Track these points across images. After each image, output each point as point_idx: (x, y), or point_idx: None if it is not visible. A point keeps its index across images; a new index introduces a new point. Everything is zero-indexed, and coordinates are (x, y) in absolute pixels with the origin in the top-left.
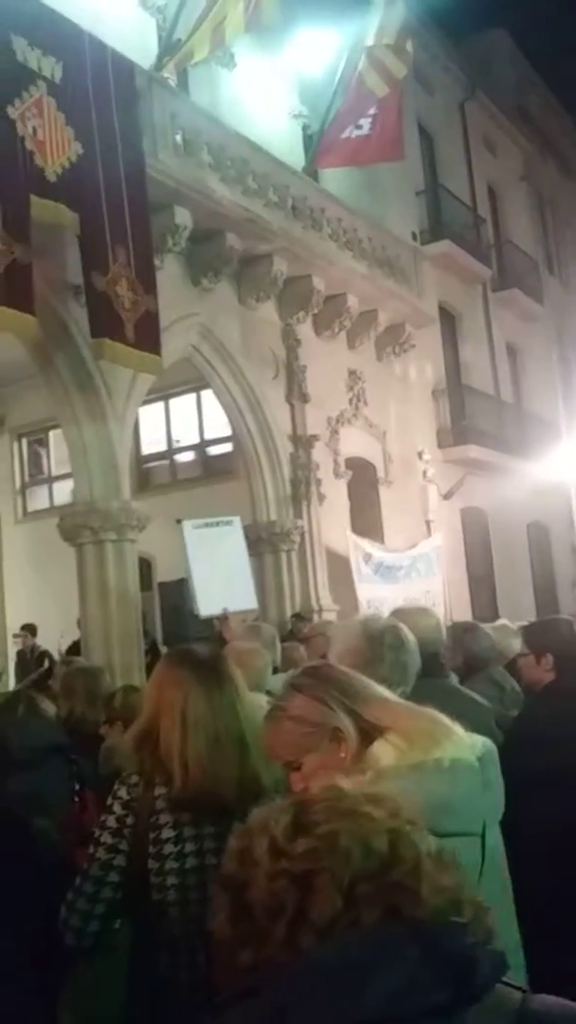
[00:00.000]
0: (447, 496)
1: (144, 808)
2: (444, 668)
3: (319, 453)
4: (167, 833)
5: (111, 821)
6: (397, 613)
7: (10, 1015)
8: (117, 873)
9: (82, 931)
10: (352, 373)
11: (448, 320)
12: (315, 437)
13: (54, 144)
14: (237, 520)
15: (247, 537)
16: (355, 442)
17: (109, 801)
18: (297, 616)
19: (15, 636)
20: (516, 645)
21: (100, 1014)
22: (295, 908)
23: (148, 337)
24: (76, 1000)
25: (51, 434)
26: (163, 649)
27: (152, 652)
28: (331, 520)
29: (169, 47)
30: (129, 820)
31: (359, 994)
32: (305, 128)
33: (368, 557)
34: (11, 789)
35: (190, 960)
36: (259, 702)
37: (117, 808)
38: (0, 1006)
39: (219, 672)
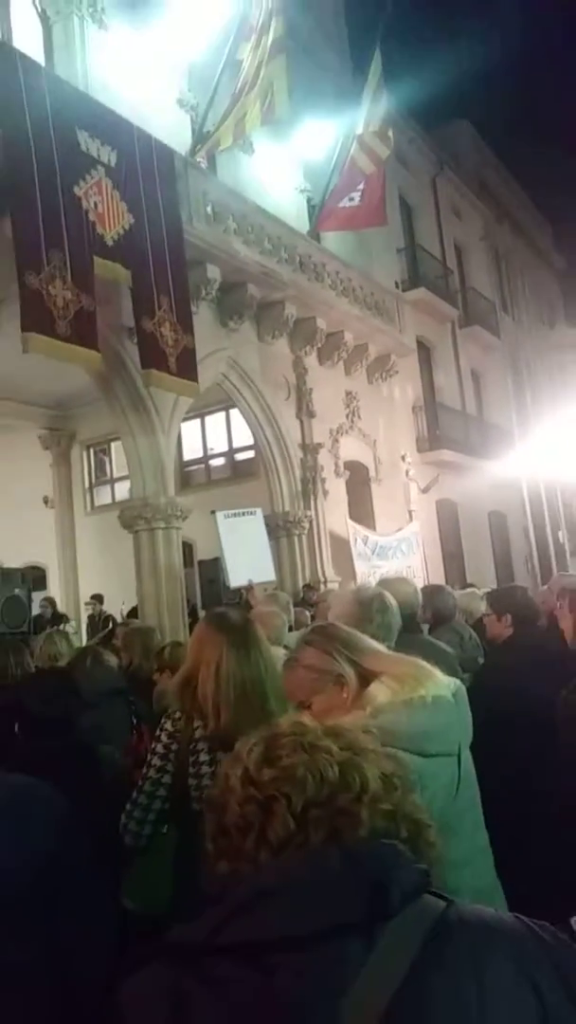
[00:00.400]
0: (425, 490)
1: (185, 738)
2: (419, 625)
3: (323, 457)
4: (203, 757)
5: (159, 747)
6: (383, 582)
7: (91, 898)
8: (164, 788)
9: (138, 834)
10: (349, 394)
11: (424, 351)
12: (320, 445)
13: (111, 216)
14: (259, 511)
15: (267, 524)
16: (351, 448)
17: (157, 732)
18: (307, 586)
19: (86, 604)
20: (482, 607)
21: (153, 900)
22: (258, 828)
23: (186, 368)
24: (135, 889)
25: (112, 445)
26: (201, 613)
27: (193, 615)
28: (333, 510)
29: (201, 137)
30: (173, 747)
31: (285, 909)
32: (309, 200)
33: (364, 539)
34: (82, 724)
35: None
36: (278, 654)
37: (164, 737)
38: (83, 892)
39: (248, 635)
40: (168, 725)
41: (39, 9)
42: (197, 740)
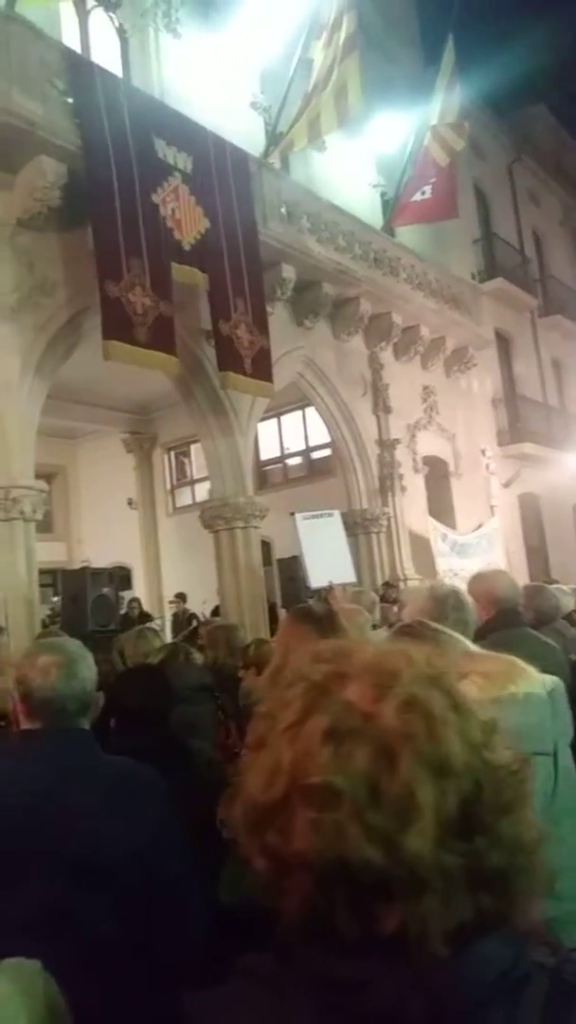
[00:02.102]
0: (506, 485)
1: None
2: (521, 618)
3: (401, 454)
4: None
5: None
6: (478, 576)
7: (186, 883)
8: None
9: None
10: (426, 388)
11: (503, 342)
12: (397, 441)
13: (188, 221)
14: (337, 512)
15: (344, 522)
16: (430, 444)
17: (251, 725)
18: (386, 584)
19: (170, 602)
20: (570, 603)
21: (249, 891)
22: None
23: (262, 369)
24: (232, 883)
25: (192, 447)
26: (280, 612)
27: (272, 613)
28: (412, 507)
29: (274, 138)
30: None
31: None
32: (383, 195)
33: (444, 536)
34: (173, 719)
35: None
36: None
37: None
38: (180, 874)
39: (333, 625)
40: None
41: (116, 24)
42: None
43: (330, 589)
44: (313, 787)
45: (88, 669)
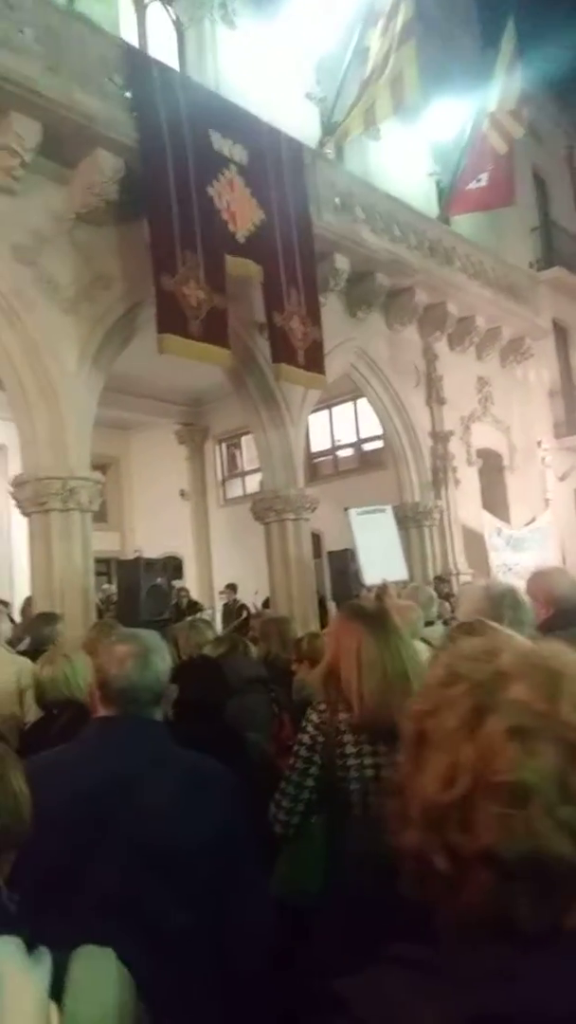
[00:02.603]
0: (563, 478)
1: (331, 729)
2: None
3: (454, 446)
4: (349, 749)
5: (306, 738)
6: (537, 574)
7: (253, 875)
8: (312, 779)
9: (287, 823)
10: (481, 379)
11: (561, 332)
12: (451, 433)
13: (242, 213)
14: (389, 508)
15: (396, 515)
16: (484, 436)
17: (303, 723)
18: (438, 578)
19: (220, 592)
20: None
21: (302, 887)
22: None
23: (315, 361)
24: (284, 876)
25: (243, 439)
26: (330, 604)
27: (322, 606)
28: (465, 500)
29: (329, 128)
30: (320, 738)
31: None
32: (438, 183)
33: (498, 531)
34: (228, 711)
35: (372, 847)
36: (419, 647)
37: (310, 728)
38: (247, 868)
39: (385, 622)
40: (313, 716)
41: (173, 17)
42: (343, 732)
43: (384, 587)
44: (502, 784)
45: (162, 660)
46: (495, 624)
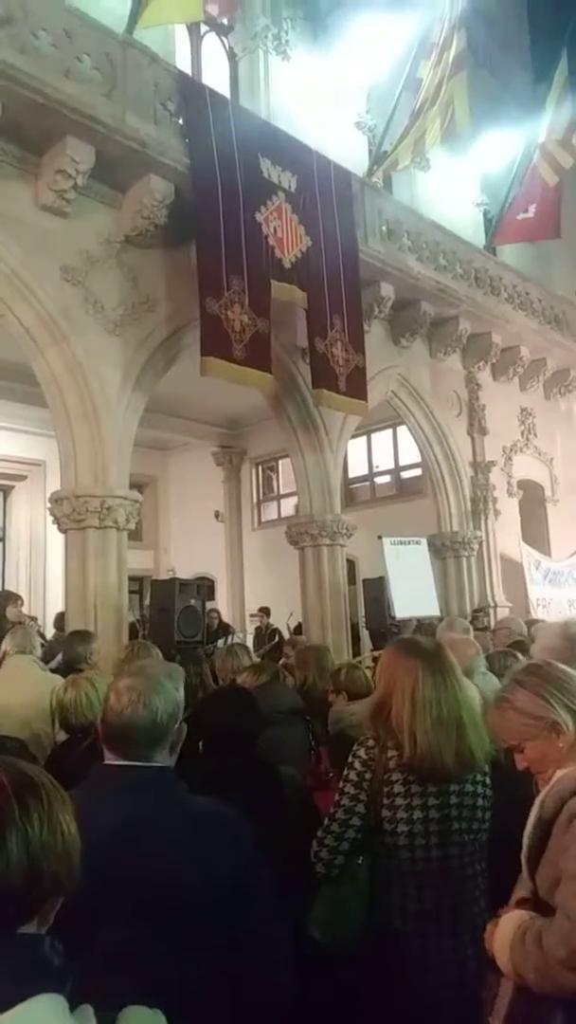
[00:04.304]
0: None
1: (379, 767)
2: None
3: (495, 476)
4: (398, 789)
5: (353, 775)
6: None
7: (271, 925)
8: (358, 818)
9: (330, 863)
10: (524, 410)
11: None
12: (492, 463)
13: (290, 239)
14: (424, 541)
15: (433, 545)
16: (526, 467)
17: (350, 759)
18: (477, 610)
19: (252, 615)
20: None
21: (341, 931)
22: None
23: (356, 388)
24: (323, 918)
25: (280, 462)
26: (363, 633)
27: (354, 633)
28: (505, 532)
29: (378, 157)
30: (367, 776)
31: None
32: (486, 213)
33: (537, 564)
34: (263, 743)
35: (416, 893)
36: (472, 693)
37: (357, 765)
38: (263, 918)
39: (442, 660)
40: (361, 752)
41: (227, 47)
42: (391, 771)
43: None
44: None
45: (164, 700)
46: (564, 667)
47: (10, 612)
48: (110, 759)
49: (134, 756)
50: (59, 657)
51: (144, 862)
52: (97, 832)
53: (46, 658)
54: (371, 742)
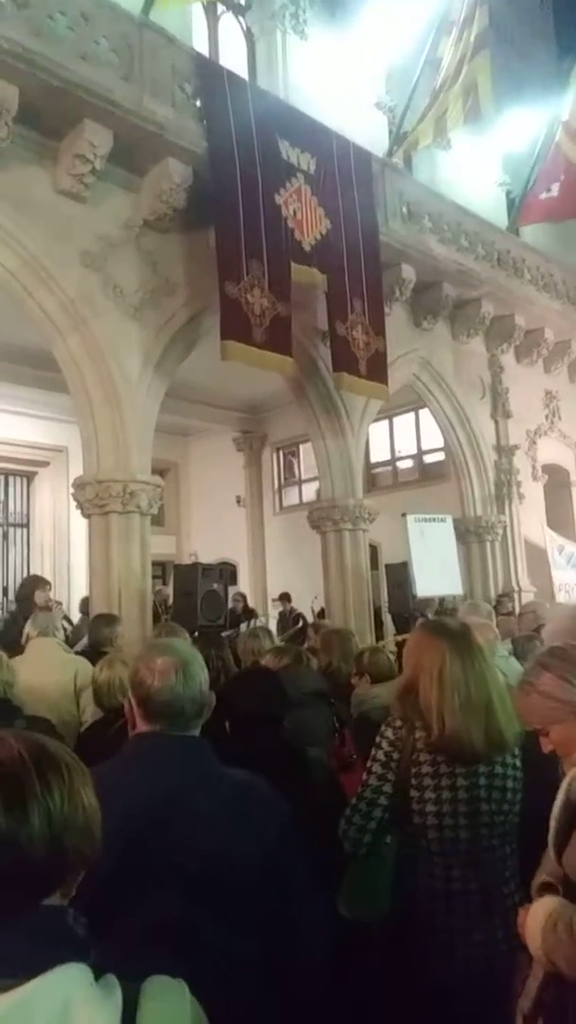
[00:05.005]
0: None
1: (407, 747)
2: None
3: (519, 460)
4: (426, 769)
5: (380, 755)
6: None
7: (308, 899)
8: (386, 797)
9: (358, 841)
10: (548, 393)
11: None
12: (516, 447)
13: (309, 222)
14: (450, 519)
15: (457, 529)
16: (550, 451)
17: (378, 739)
18: (501, 595)
19: (274, 601)
20: None
21: (369, 909)
22: None
23: (377, 371)
24: (351, 896)
25: (301, 447)
26: (385, 618)
27: (377, 618)
28: (529, 516)
29: (398, 138)
30: (395, 756)
31: None
32: (508, 193)
33: (561, 548)
34: (287, 725)
35: (444, 873)
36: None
37: (385, 745)
38: (301, 892)
39: (470, 642)
40: (388, 733)
41: (244, 28)
42: (419, 751)
43: (455, 609)
44: None
45: (201, 669)
46: None
47: (38, 596)
48: (149, 730)
49: (180, 728)
50: (85, 639)
51: (188, 828)
52: (141, 801)
53: (72, 641)
54: (398, 722)
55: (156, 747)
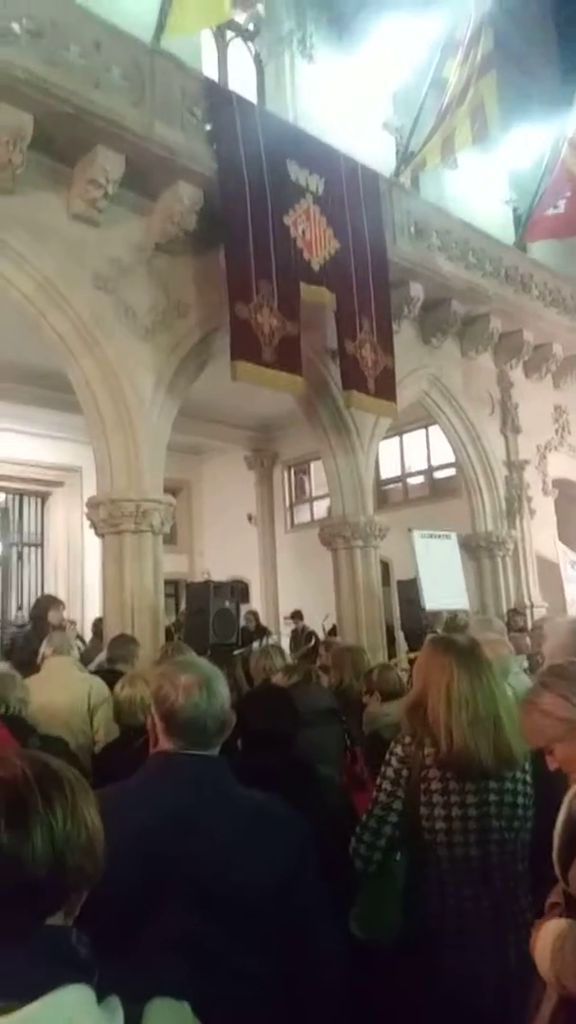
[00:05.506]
0: None
1: (416, 763)
2: None
3: (529, 475)
4: (435, 786)
5: (390, 772)
6: None
7: (324, 918)
8: (396, 814)
9: (368, 859)
10: (557, 407)
11: None
12: (526, 462)
13: (318, 242)
14: (454, 535)
15: (468, 545)
16: (561, 465)
17: (387, 756)
18: (513, 611)
19: (286, 619)
20: None
21: (381, 927)
22: None
23: (385, 389)
24: (363, 915)
25: (311, 464)
26: (398, 635)
27: (389, 635)
28: (540, 531)
29: (405, 158)
30: (404, 772)
31: None
32: (515, 210)
33: (573, 563)
34: (299, 743)
35: (456, 890)
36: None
37: (394, 762)
38: (317, 911)
39: (477, 658)
40: (398, 749)
41: (253, 52)
42: (428, 767)
43: (466, 624)
44: None
45: (223, 687)
46: None
47: (52, 616)
48: (171, 749)
49: (203, 746)
50: (101, 655)
51: (207, 847)
52: (160, 819)
53: (83, 662)
54: (407, 739)
55: (176, 766)
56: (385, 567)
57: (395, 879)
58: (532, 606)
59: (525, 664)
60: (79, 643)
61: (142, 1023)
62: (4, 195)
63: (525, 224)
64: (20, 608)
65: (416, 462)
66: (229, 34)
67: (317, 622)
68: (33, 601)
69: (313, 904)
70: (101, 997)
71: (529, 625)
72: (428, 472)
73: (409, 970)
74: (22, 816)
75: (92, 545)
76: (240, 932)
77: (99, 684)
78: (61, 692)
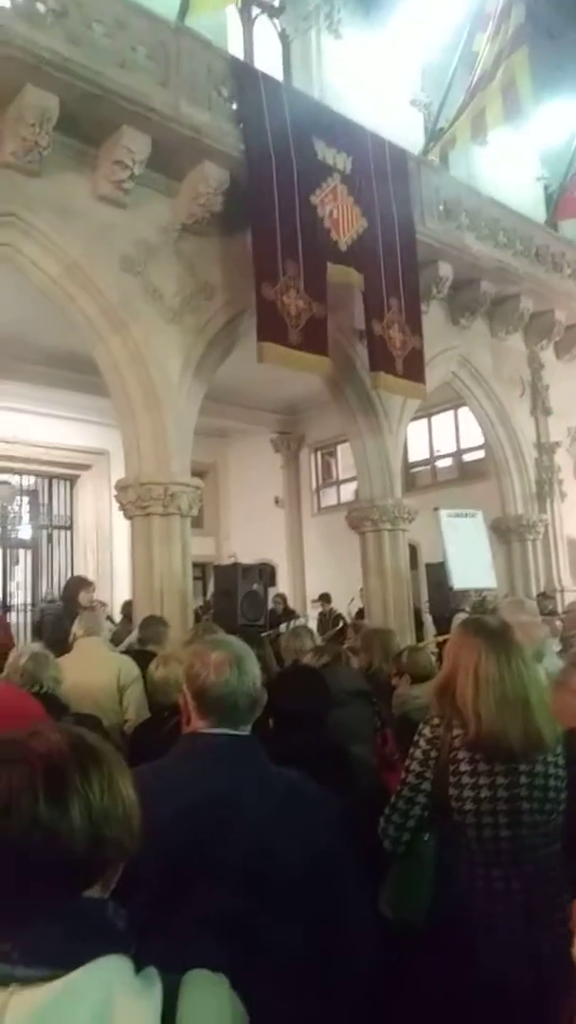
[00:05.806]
0: None
1: (445, 745)
2: None
3: (560, 457)
4: (464, 767)
5: (418, 753)
6: None
7: (357, 894)
8: (424, 795)
9: (397, 840)
10: None
11: None
12: (557, 444)
13: (345, 221)
14: (480, 514)
15: (498, 528)
16: None
17: (416, 737)
18: (542, 594)
19: (313, 601)
20: None
21: (410, 907)
22: None
23: (414, 370)
24: (391, 896)
25: (339, 447)
26: (426, 618)
27: (417, 618)
28: (571, 514)
29: (434, 135)
30: (433, 754)
31: None
32: (546, 188)
33: None
34: (330, 723)
35: (485, 872)
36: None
37: (423, 743)
38: (350, 888)
39: (507, 641)
40: (426, 731)
41: (279, 29)
42: (457, 749)
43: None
44: None
45: (254, 665)
46: None
47: (82, 597)
48: (203, 727)
49: (235, 723)
50: (132, 635)
51: (242, 827)
52: (194, 799)
53: (114, 643)
54: (436, 720)
55: (209, 747)
56: (413, 550)
57: (424, 860)
58: (562, 590)
59: (558, 647)
60: (109, 623)
61: (179, 993)
62: (30, 177)
63: (556, 202)
64: (50, 590)
65: (445, 444)
66: (255, 10)
67: (344, 606)
68: (63, 583)
69: (347, 882)
70: (139, 968)
71: (560, 609)
72: (457, 454)
73: (439, 950)
74: (60, 790)
75: (120, 528)
76: (275, 910)
77: (129, 664)
78: (92, 672)
